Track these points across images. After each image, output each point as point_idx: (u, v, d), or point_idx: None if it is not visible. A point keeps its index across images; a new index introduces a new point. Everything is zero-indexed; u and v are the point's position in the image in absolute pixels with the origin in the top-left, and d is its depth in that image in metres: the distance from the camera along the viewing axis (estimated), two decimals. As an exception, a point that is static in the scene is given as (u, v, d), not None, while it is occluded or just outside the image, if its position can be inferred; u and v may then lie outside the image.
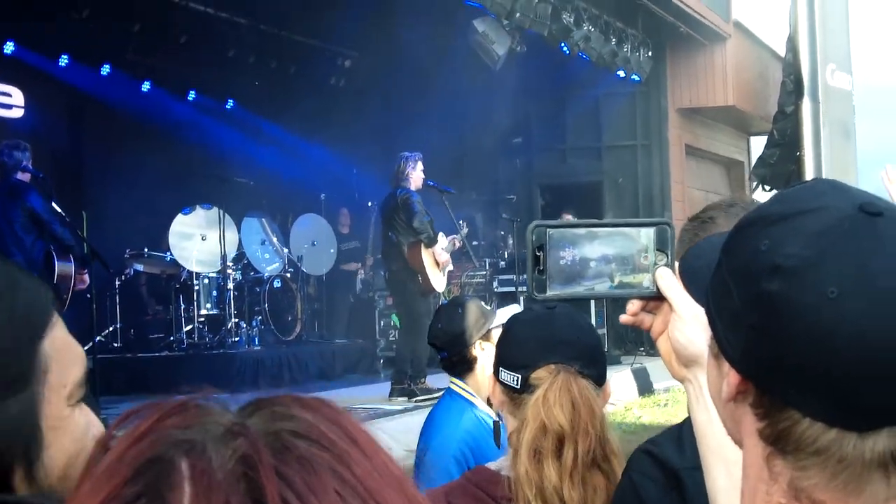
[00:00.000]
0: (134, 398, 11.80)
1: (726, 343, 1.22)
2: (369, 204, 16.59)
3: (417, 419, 5.02)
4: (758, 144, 21.75)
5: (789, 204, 1.20)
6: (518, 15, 14.36)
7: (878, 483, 1.14)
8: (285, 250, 15.93)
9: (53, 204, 10.86)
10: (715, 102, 19.94)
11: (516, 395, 2.71)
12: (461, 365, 4.47)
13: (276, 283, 15.31)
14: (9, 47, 14.26)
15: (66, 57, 15.04)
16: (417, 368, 11.76)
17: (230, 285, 14.42)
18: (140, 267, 14.96)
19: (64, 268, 10.76)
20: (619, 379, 13.67)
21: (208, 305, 14.48)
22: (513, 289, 15.89)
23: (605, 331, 15.10)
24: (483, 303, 4.91)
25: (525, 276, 1.72)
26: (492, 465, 2.89)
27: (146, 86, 16.46)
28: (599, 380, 2.72)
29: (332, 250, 16.77)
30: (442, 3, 14.42)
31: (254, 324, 14.86)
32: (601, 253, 1.66)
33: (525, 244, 1.68)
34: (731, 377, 1.22)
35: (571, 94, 19.71)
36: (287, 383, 13.90)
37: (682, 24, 18.26)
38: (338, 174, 18.07)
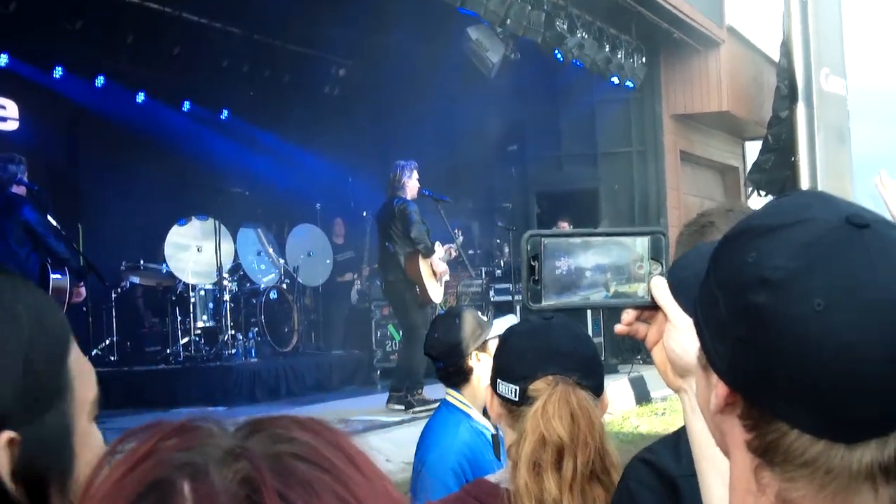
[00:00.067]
0: (131, 411, 11.79)
1: (714, 354, 1.22)
2: (364, 214, 16.59)
3: (414, 431, 5.01)
4: (753, 150, 21.78)
5: (776, 216, 1.20)
6: (511, 22, 14.38)
7: (865, 494, 1.15)
8: (281, 261, 15.92)
9: (49, 217, 10.85)
10: (709, 108, 19.97)
11: (514, 408, 2.70)
12: (457, 376, 4.46)
13: (273, 295, 15.29)
14: (3, 59, 14.26)
15: (60, 68, 15.04)
16: (414, 379, 11.75)
17: (226, 297, 14.40)
18: (136, 279, 14.94)
19: (59, 281, 10.76)
20: (617, 388, 13.66)
21: (204, 317, 14.46)
22: (509, 298, 15.90)
23: (601, 340, 15.08)
24: (480, 313, 4.90)
25: (521, 286, 1.71)
26: (491, 478, 2.88)
27: (141, 97, 16.46)
28: (597, 390, 2.71)
29: (328, 261, 16.76)
30: (435, 12, 14.41)
31: (250, 335, 14.84)
32: (596, 262, 1.65)
33: (520, 253, 1.68)
34: (720, 389, 1.22)
35: (566, 101, 19.73)
36: (284, 395, 13.89)
37: (675, 30, 18.28)
38: (333, 183, 18.06)
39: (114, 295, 14.46)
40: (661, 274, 1.64)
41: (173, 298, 14.44)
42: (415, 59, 16.87)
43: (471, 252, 16.57)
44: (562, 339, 2.74)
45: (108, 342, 14.51)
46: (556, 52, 15.72)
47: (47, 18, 13.84)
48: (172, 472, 0.81)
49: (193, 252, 14.61)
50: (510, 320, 4.63)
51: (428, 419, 4.66)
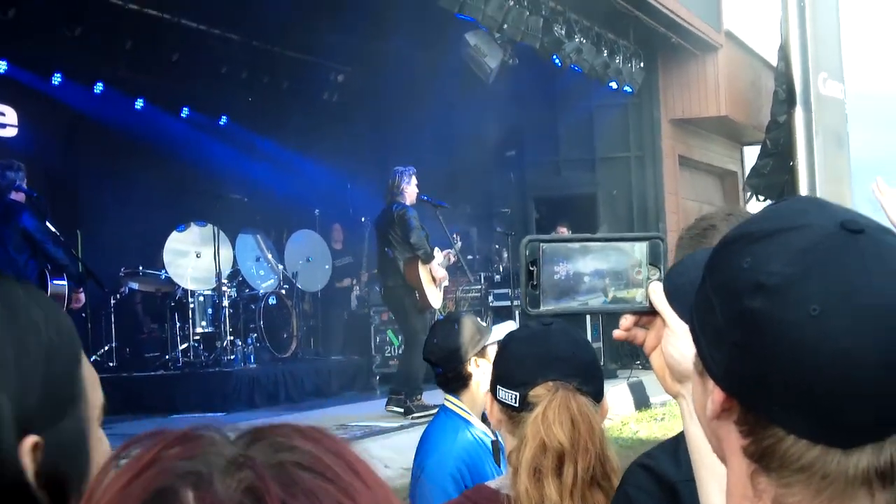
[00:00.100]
0: (130, 417, 11.79)
1: (710, 360, 1.23)
2: (363, 219, 16.59)
3: (413, 436, 5.01)
4: (751, 154, 21.77)
5: (771, 221, 1.21)
6: (509, 28, 14.39)
7: (862, 499, 1.15)
8: (280, 267, 15.93)
9: (48, 223, 10.85)
10: (707, 113, 19.97)
11: (515, 414, 2.70)
12: (456, 381, 4.46)
13: (272, 300, 15.30)
14: (2, 66, 14.26)
15: (59, 75, 15.05)
16: (414, 385, 11.74)
17: (225, 302, 14.39)
18: (135, 285, 14.94)
19: (58, 288, 10.76)
20: (616, 393, 13.65)
21: (203, 323, 14.45)
22: (508, 303, 15.89)
23: (600, 345, 15.07)
24: (479, 319, 4.90)
25: (519, 291, 1.72)
26: (492, 484, 2.88)
27: (139, 103, 16.47)
28: (597, 396, 2.71)
29: (326, 266, 16.76)
30: (433, 17, 14.42)
31: (249, 341, 14.83)
32: (595, 268, 1.65)
33: (519, 259, 1.68)
34: (716, 394, 1.22)
35: (564, 106, 19.72)
36: (283, 401, 13.88)
37: (673, 35, 18.29)
38: (331, 189, 18.07)
39: (113, 301, 14.46)
40: (659, 279, 1.64)
41: (172, 304, 14.44)
42: (413, 65, 16.88)
43: (469, 257, 16.57)
44: (561, 344, 2.74)
45: (107, 348, 14.50)
46: (554, 57, 15.73)
47: (46, 25, 13.84)
48: (176, 481, 0.81)
49: (192, 258, 14.61)
50: (509, 326, 4.63)
51: (427, 425, 4.66)
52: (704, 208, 19.37)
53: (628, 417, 13.51)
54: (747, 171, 20.47)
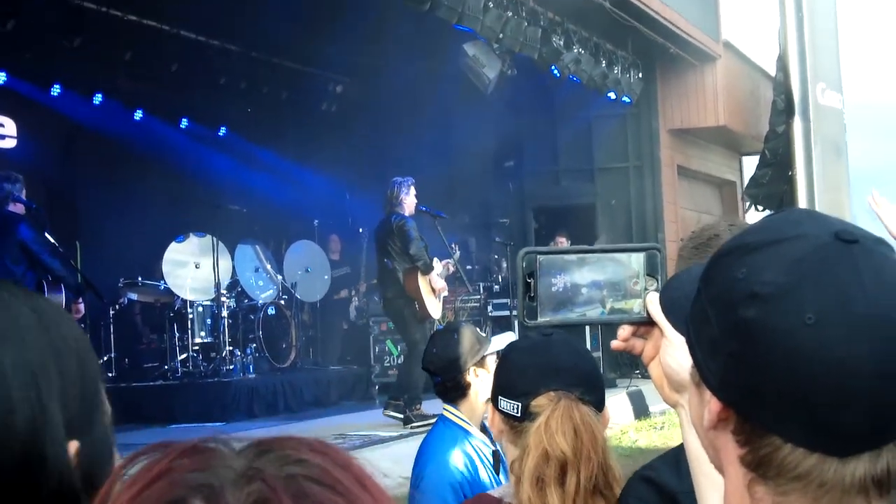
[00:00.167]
0: (129, 428, 11.77)
1: (707, 371, 1.23)
2: (360, 230, 16.61)
3: (412, 446, 5.01)
4: (750, 164, 21.76)
5: (766, 233, 1.21)
6: (508, 39, 14.39)
7: None
8: (279, 277, 15.92)
9: (47, 234, 10.84)
10: (706, 123, 19.96)
11: (517, 424, 2.71)
12: (455, 391, 4.47)
13: (271, 311, 15.29)
14: (1, 77, 14.26)
15: (58, 86, 15.05)
16: (413, 394, 11.73)
17: (224, 313, 14.39)
18: (134, 296, 14.93)
19: (56, 299, 10.74)
20: (615, 402, 13.64)
21: (202, 333, 14.44)
22: (507, 313, 15.89)
23: (599, 354, 15.06)
24: (478, 329, 4.91)
25: (517, 302, 1.72)
26: (494, 493, 2.89)
27: (138, 114, 16.48)
28: (599, 405, 2.72)
29: (325, 277, 16.76)
30: (432, 28, 14.44)
31: (248, 351, 14.82)
32: (592, 279, 1.66)
33: (516, 270, 1.68)
34: (713, 405, 1.23)
35: (563, 117, 19.72)
36: (282, 411, 13.86)
37: (671, 45, 18.29)
38: (330, 200, 18.08)
39: (112, 311, 14.44)
40: (657, 290, 1.65)
41: (171, 315, 14.44)
42: (411, 75, 16.89)
43: (468, 267, 16.56)
44: (562, 354, 2.75)
45: (106, 358, 14.46)
46: (553, 67, 15.73)
47: (45, 36, 13.85)
48: (188, 493, 0.82)
49: (191, 268, 14.61)
50: (508, 337, 4.64)
51: (425, 434, 4.66)
52: (703, 218, 19.39)
53: (627, 426, 13.50)
54: (746, 181, 20.47)
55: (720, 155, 22.62)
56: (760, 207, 18.48)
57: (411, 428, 11.33)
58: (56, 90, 15.06)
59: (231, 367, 14.23)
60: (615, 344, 1.69)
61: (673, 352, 1.58)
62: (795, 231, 1.19)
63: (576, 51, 15.94)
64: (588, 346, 14.00)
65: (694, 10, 18.59)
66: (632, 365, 16.54)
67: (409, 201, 11.90)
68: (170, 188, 16.13)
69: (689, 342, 1.29)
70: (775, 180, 17.36)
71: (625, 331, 1.68)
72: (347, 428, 11.90)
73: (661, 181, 19.68)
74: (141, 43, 14.98)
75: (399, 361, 14.23)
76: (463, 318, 15.13)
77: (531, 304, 1.66)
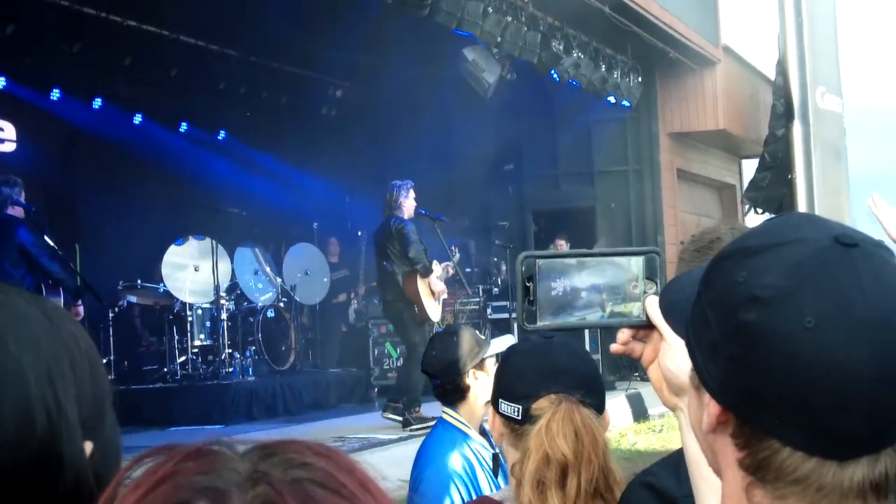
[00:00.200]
0: (128, 430, 11.77)
1: (706, 374, 1.23)
2: (359, 233, 16.61)
3: (411, 448, 5.01)
4: (749, 167, 21.77)
5: (766, 236, 1.22)
6: (507, 43, 14.41)
7: None
8: (278, 280, 15.92)
9: (46, 238, 10.84)
10: (706, 126, 19.97)
11: (517, 427, 2.71)
12: (454, 393, 4.47)
13: (270, 313, 15.28)
14: (0, 82, 14.27)
15: (57, 91, 15.05)
16: (412, 397, 11.73)
17: (223, 316, 14.38)
18: (133, 298, 14.92)
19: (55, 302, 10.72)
20: (614, 404, 13.63)
21: (202, 336, 14.43)
22: (506, 315, 15.89)
23: (599, 357, 15.05)
24: (477, 332, 4.91)
25: (516, 306, 1.73)
26: (495, 496, 2.89)
27: (138, 118, 16.48)
28: (599, 408, 2.72)
29: (325, 279, 16.76)
30: (431, 33, 14.44)
31: (247, 354, 14.82)
32: (591, 283, 1.66)
33: (515, 274, 1.69)
34: (712, 408, 1.23)
35: (562, 121, 19.73)
36: (281, 413, 13.86)
37: (671, 50, 18.30)
38: (330, 203, 18.08)
39: (111, 314, 14.43)
40: (656, 293, 1.65)
41: (170, 317, 14.43)
42: (411, 79, 16.90)
43: (468, 270, 16.57)
44: (563, 357, 2.75)
45: (105, 361, 14.40)
46: (553, 72, 15.74)
47: (45, 41, 13.85)
48: (193, 496, 0.82)
49: (191, 271, 14.61)
50: (508, 340, 4.64)
51: (424, 437, 4.66)
52: (703, 221, 19.40)
53: (626, 429, 13.48)
54: (745, 184, 20.48)
55: (720, 158, 22.63)
56: (760, 211, 18.50)
57: (410, 430, 11.33)
58: (56, 94, 15.07)
59: (230, 369, 14.23)
60: (614, 347, 1.69)
61: (672, 355, 1.58)
62: (796, 235, 1.19)
63: (575, 55, 15.95)
64: (587, 348, 13.99)
65: (693, 15, 18.60)
66: (631, 367, 16.52)
67: (408, 204, 11.90)
68: (169, 192, 16.13)
69: (688, 345, 1.29)
70: (775, 184, 17.37)
71: (624, 334, 1.68)
72: (346, 430, 11.90)
73: (661, 185, 19.68)
74: (140, 48, 14.99)
75: (398, 364, 14.23)
76: (462, 321, 15.12)
77: (530, 308, 1.66)
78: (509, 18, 14.26)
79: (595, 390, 2.73)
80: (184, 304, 14.33)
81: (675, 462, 2.23)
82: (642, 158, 19.82)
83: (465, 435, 4.33)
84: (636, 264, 1.67)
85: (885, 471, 1.15)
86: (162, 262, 14.42)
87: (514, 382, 2.77)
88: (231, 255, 15.11)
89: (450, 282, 13.06)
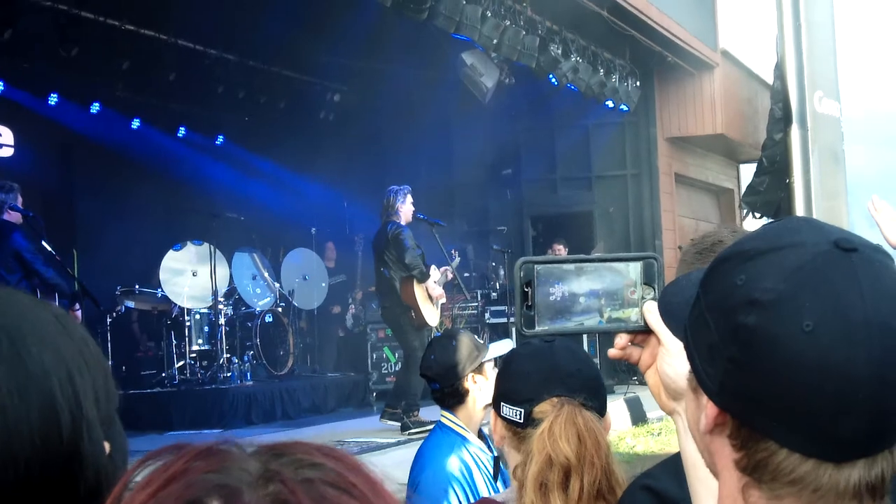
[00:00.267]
0: (127, 435, 11.72)
1: (704, 376, 1.24)
2: (355, 238, 16.62)
3: (409, 452, 5.01)
4: (747, 172, 21.80)
5: (765, 240, 1.22)
6: (506, 47, 14.40)
7: None
8: (276, 285, 15.91)
9: (43, 243, 10.84)
10: (704, 131, 19.97)
11: (519, 430, 2.72)
12: (453, 397, 4.47)
13: (268, 318, 15.27)
14: (-2, 86, 14.30)
15: (55, 95, 15.06)
16: (411, 401, 11.73)
17: (222, 321, 14.37)
18: (131, 304, 14.91)
19: (50, 307, 10.70)
20: (613, 408, 13.55)
21: (200, 341, 14.43)
22: (504, 320, 15.88)
23: (597, 361, 15.04)
24: (476, 336, 4.91)
25: (514, 311, 1.74)
26: (498, 497, 2.89)
27: (136, 123, 16.49)
28: (601, 410, 2.73)
29: (323, 284, 16.75)
30: (430, 37, 14.46)
31: (246, 359, 14.81)
32: (589, 288, 1.66)
33: (514, 280, 1.69)
34: (709, 409, 1.23)
35: (561, 125, 19.71)
36: (279, 418, 13.85)
37: (669, 54, 18.31)
38: (328, 208, 18.07)
39: (109, 319, 14.41)
40: (654, 298, 1.65)
41: (168, 322, 14.43)
42: (410, 84, 16.91)
43: (466, 275, 16.55)
44: (566, 360, 2.76)
45: (104, 366, 14.44)
46: (551, 76, 15.74)
47: (43, 45, 13.86)
48: (205, 494, 0.82)
49: (189, 276, 14.59)
50: (506, 344, 4.65)
51: (422, 441, 4.67)
52: (701, 225, 19.44)
53: (625, 432, 13.48)
54: (743, 189, 20.50)
55: (718, 163, 22.64)
56: (758, 215, 18.52)
57: (409, 434, 11.32)
58: (53, 99, 15.08)
59: (228, 374, 14.22)
60: (612, 352, 1.70)
61: (670, 360, 1.59)
62: (794, 239, 1.19)
63: (573, 59, 15.95)
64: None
65: (692, 19, 18.61)
66: (629, 371, 16.50)
67: (405, 209, 11.90)
68: (167, 197, 16.14)
69: (686, 347, 1.30)
70: (772, 188, 17.39)
71: (622, 339, 1.68)
72: (345, 435, 11.89)
73: (659, 189, 19.67)
74: (138, 52, 14.96)
75: (397, 368, 14.23)
76: (460, 326, 15.12)
77: (529, 314, 1.66)
78: (507, 22, 14.27)
79: (597, 393, 2.74)
80: (182, 309, 14.32)
81: (675, 465, 2.23)
82: (640, 163, 19.81)
83: (464, 438, 4.34)
84: (634, 270, 1.67)
85: (882, 473, 1.16)
86: (160, 267, 14.42)
87: (516, 385, 2.78)
88: (229, 260, 15.10)
89: (448, 286, 13.06)
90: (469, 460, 4.22)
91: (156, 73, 15.42)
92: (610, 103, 17.70)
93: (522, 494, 2.59)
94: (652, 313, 1.62)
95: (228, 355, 14.41)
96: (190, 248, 14.73)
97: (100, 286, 12.53)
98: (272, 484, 0.84)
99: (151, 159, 15.96)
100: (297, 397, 14.52)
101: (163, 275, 14.41)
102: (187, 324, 14.22)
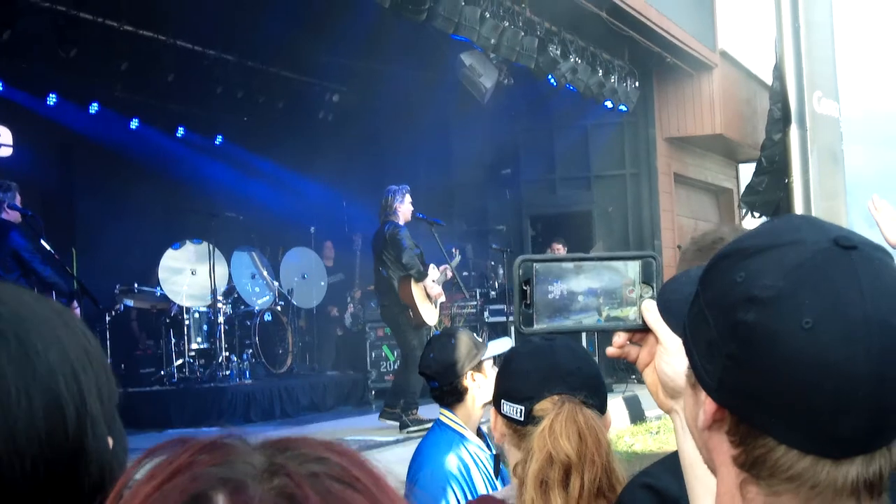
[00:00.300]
0: (125, 432, 11.75)
1: (703, 372, 1.24)
2: (353, 237, 16.63)
3: (408, 450, 5.01)
4: (746, 172, 21.81)
5: (765, 238, 1.22)
6: (504, 48, 14.40)
7: None
8: (276, 283, 15.91)
9: (42, 241, 10.84)
10: (703, 131, 19.95)
11: (520, 427, 2.72)
12: (452, 395, 4.48)
13: (267, 317, 15.28)
14: (-3, 86, 14.30)
15: (54, 95, 15.05)
16: (410, 399, 11.73)
17: (221, 319, 14.37)
18: (130, 302, 14.90)
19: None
20: (611, 407, 13.55)
21: (199, 340, 14.42)
22: (503, 318, 15.87)
23: (596, 359, 15.04)
24: (475, 334, 4.92)
25: (513, 309, 1.74)
26: (498, 495, 2.90)
27: (135, 123, 16.48)
28: (601, 408, 2.74)
29: (322, 283, 16.74)
30: (429, 38, 14.46)
31: (245, 357, 14.81)
32: (588, 286, 1.66)
33: (512, 278, 1.69)
34: (708, 405, 1.23)
35: (559, 125, 19.71)
36: (278, 416, 13.84)
37: (668, 55, 18.30)
38: (327, 208, 18.07)
39: (108, 318, 14.39)
40: (652, 297, 1.65)
41: (167, 321, 14.42)
42: (408, 84, 16.91)
43: (465, 274, 16.56)
44: (566, 358, 2.76)
45: (103, 365, 14.42)
46: (550, 77, 15.73)
47: (41, 46, 13.85)
48: (211, 487, 0.82)
49: (188, 275, 14.59)
50: (505, 342, 4.66)
51: (421, 438, 4.67)
52: (700, 225, 19.41)
53: (623, 431, 13.50)
54: (742, 189, 20.50)
55: (717, 163, 22.63)
56: (757, 214, 18.53)
57: (407, 433, 11.32)
58: (52, 99, 15.06)
59: (227, 372, 14.23)
60: (610, 351, 1.70)
61: (668, 358, 1.59)
62: (794, 236, 1.20)
63: (572, 60, 15.94)
64: (584, 352, 13.98)
65: (690, 20, 18.61)
66: (627, 370, 16.50)
67: (403, 209, 11.89)
68: (166, 196, 16.14)
69: (685, 343, 1.30)
70: (771, 188, 17.40)
71: (620, 337, 1.68)
72: (344, 433, 11.87)
73: (658, 189, 19.66)
74: (137, 52, 14.93)
75: (395, 367, 14.24)
76: (459, 324, 15.12)
77: (527, 312, 1.66)
78: (506, 23, 14.26)
79: (597, 391, 2.75)
80: (181, 307, 14.32)
81: (674, 463, 2.22)
82: (639, 163, 19.81)
83: (462, 436, 4.34)
84: (633, 268, 1.68)
85: (879, 469, 1.16)
86: (159, 265, 14.41)
87: (516, 384, 2.78)
88: (228, 259, 15.10)
89: (447, 285, 13.05)
90: (467, 458, 4.22)
91: (154, 73, 15.40)
92: (609, 104, 17.69)
93: (523, 492, 2.59)
94: (650, 312, 1.63)
95: (227, 354, 14.41)
96: (189, 247, 14.73)
97: (99, 285, 12.54)
98: (277, 477, 0.84)
99: (150, 159, 15.96)
100: (296, 396, 14.52)
101: (162, 273, 14.41)
102: (186, 322, 14.22)
